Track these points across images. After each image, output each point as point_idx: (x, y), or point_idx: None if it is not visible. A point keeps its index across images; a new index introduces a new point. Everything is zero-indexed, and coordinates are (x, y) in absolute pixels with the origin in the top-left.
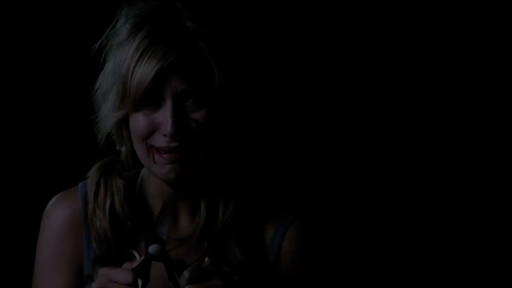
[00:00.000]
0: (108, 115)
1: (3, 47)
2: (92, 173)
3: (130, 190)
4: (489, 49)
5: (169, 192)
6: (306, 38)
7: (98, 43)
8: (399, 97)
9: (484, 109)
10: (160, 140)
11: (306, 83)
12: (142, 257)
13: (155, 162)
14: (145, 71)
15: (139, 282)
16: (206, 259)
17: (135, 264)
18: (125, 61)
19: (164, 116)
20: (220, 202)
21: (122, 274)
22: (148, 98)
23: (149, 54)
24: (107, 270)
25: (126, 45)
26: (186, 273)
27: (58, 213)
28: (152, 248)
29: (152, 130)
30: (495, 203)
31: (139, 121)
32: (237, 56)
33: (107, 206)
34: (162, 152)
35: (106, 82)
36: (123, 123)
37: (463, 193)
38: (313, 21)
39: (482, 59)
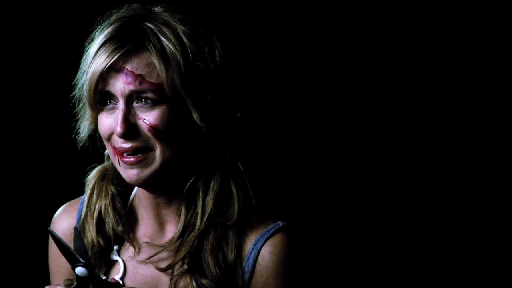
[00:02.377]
0: (83, 117)
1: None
2: (91, 177)
3: (123, 197)
4: (489, 49)
5: (150, 197)
6: (283, 41)
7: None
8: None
9: (484, 109)
10: (117, 141)
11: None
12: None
13: (120, 165)
14: (94, 71)
15: None
16: (186, 266)
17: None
18: (86, 62)
19: (116, 117)
20: (198, 208)
21: None
22: (104, 99)
23: (98, 55)
24: None
25: (91, 47)
26: None
27: (58, 226)
28: (79, 271)
29: (111, 131)
30: (493, 203)
31: (101, 122)
32: (199, 60)
33: (96, 210)
34: (124, 155)
35: (81, 84)
36: None
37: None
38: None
39: (482, 59)
